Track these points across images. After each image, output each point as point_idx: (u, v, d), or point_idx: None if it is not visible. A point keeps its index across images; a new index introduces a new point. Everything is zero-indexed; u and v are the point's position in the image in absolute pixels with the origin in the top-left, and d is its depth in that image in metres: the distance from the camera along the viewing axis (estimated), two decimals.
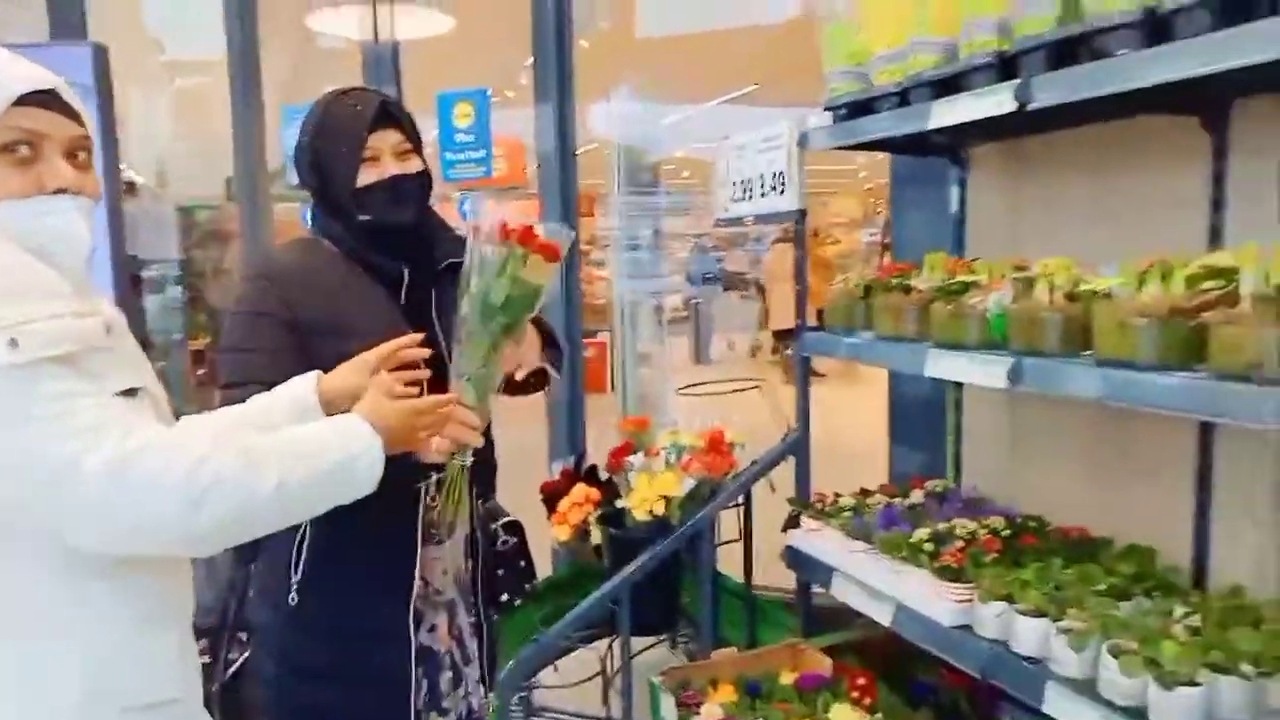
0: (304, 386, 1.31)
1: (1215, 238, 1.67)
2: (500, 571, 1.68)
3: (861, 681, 2.12)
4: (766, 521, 2.49)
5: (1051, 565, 1.67)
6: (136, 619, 1.05)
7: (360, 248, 1.51)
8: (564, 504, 2.57)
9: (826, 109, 2.09)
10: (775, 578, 2.68)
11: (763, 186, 2.34)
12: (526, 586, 1.73)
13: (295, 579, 1.46)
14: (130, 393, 1.03)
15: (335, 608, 1.49)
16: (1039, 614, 1.55)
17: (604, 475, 2.62)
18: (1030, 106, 1.48)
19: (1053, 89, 1.45)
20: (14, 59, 1.03)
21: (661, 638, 2.66)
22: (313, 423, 1.18)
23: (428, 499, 1.51)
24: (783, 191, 2.26)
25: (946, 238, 2.40)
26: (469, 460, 1.44)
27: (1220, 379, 1.22)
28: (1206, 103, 1.62)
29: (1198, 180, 1.69)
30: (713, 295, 11.10)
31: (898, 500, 2.14)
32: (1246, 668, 1.30)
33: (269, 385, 1.35)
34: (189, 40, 5.79)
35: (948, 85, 1.73)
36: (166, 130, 5.34)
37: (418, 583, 1.53)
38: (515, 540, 1.72)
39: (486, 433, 1.65)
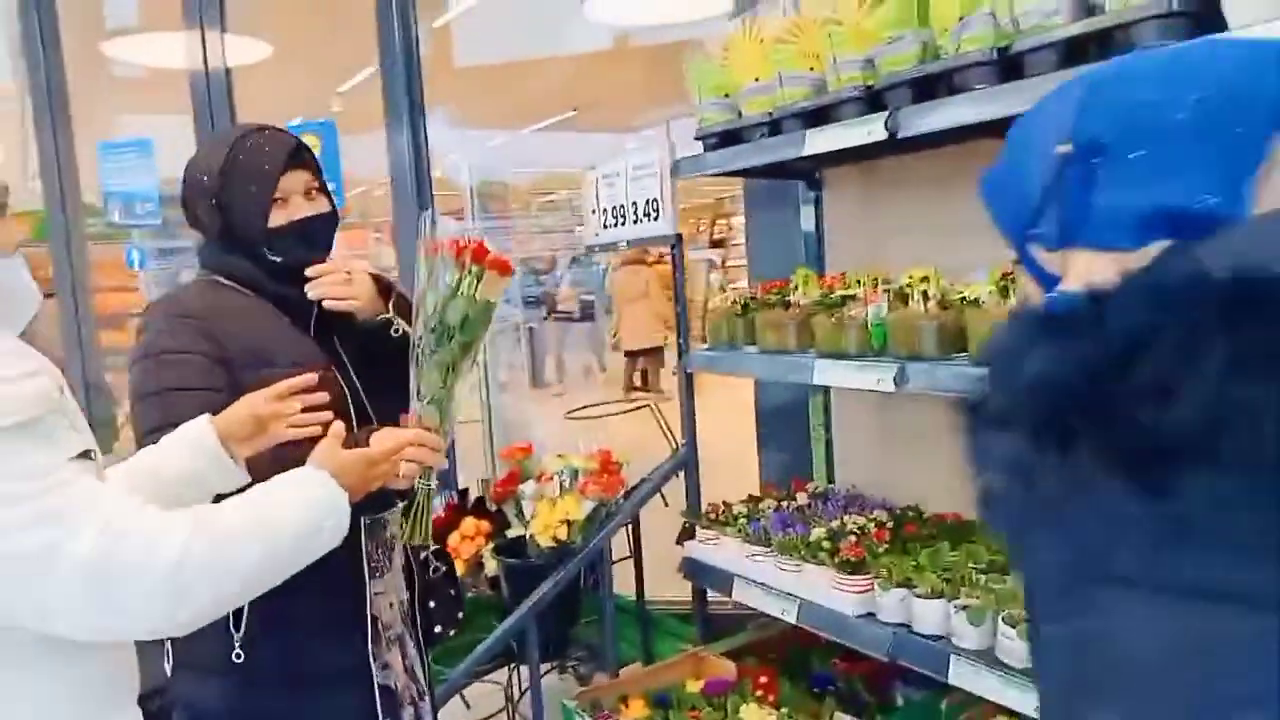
0: (198, 429, 1.27)
1: None
2: (431, 603, 1.67)
3: (764, 680, 2.23)
4: (649, 537, 2.57)
5: (940, 550, 1.83)
6: (89, 701, 0.97)
7: (270, 285, 1.49)
8: (454, 538, 2.54)
9: (698, 138, 2.19)
10: (660, 590, 2.76)
11: (635, 213, 2.42)
12: (458, 616, 1.72)
13: (238, 635, 1.38)
14: (85, 454, 0.98)
15: (286, 654, 1.42)
16: (937, 595, 1.70)
17: (491, 506, 2.61)
18: (900, 135, 1.64)
19: (919, 119, 1.61)
20: None
21: (554, 664, 2.67)
22: (277, 487, 1.13)
23: (367, 527, 1.49)
24: (656, 218, 2.35)
25: (801, 254, 2.58)
26: (434, 483, 1.46)
27: None
28: None
29: None
30: (538, 318, 11.18)
31: (785, 503, 2.26)
32: None
33: None
34: None
35: (816, 116, 1.88)
36: None
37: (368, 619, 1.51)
38: (444, 569, 1.70)
39: None
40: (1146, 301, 0.58)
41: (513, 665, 2.55)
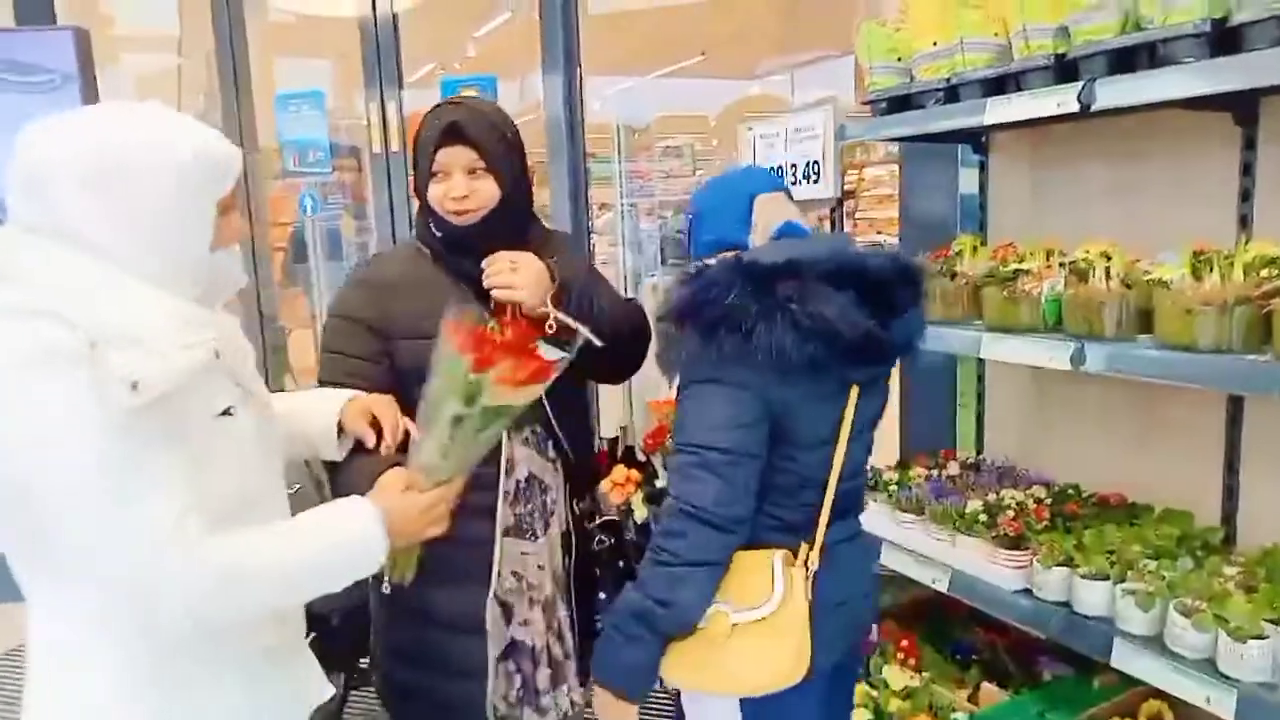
0: (330, 406, 1.41)
1: (1243, 226, 1.81)
2: (597, 571, 1.70)
3: (905, 644, 2.27)
4: None
5: (1104, 531, 1.81)
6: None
7: (448, 257, 1.55)
8: (605, 485, 2.64)
9: (865, 102, 2.17)
10: None
11: (794, 174, 2.41)
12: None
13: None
14: (227, 412, 1.10)
15: (418, 594, 1.48)
16: (1102, 577, 1.69)
17: (641, 456, 2.71)
18: (1094, 108, 1.58)
19: (1116, 92, 1.55)
20: (214, 133, 1.11)
21: None
22: (335, 533, 1.19)
23: (507, 496, 1.56)
24: (816, 180, 2.34)
25: (957, 218, 2.52)
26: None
27: None
28: (1239, 99, 1.74)
29: (1227, 171, 1.82)
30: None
31: (935, 472, 2.26)
32: None
33: (358, 387, 1.45)
34: (141, 15, 5.58)
35: (998, 83, 1.83)
36: None
37: (506, 577, 1.57)
38: (612, 540, 1.72)
39: (580, 432, 1.68)
40: (718, 270, 1.31)
41: None
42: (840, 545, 1.41)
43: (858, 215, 7.83)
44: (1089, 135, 2.09)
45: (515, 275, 1.47)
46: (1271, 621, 1.46)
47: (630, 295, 1.72)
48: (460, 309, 1.31)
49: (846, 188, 11.47)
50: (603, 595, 1.71)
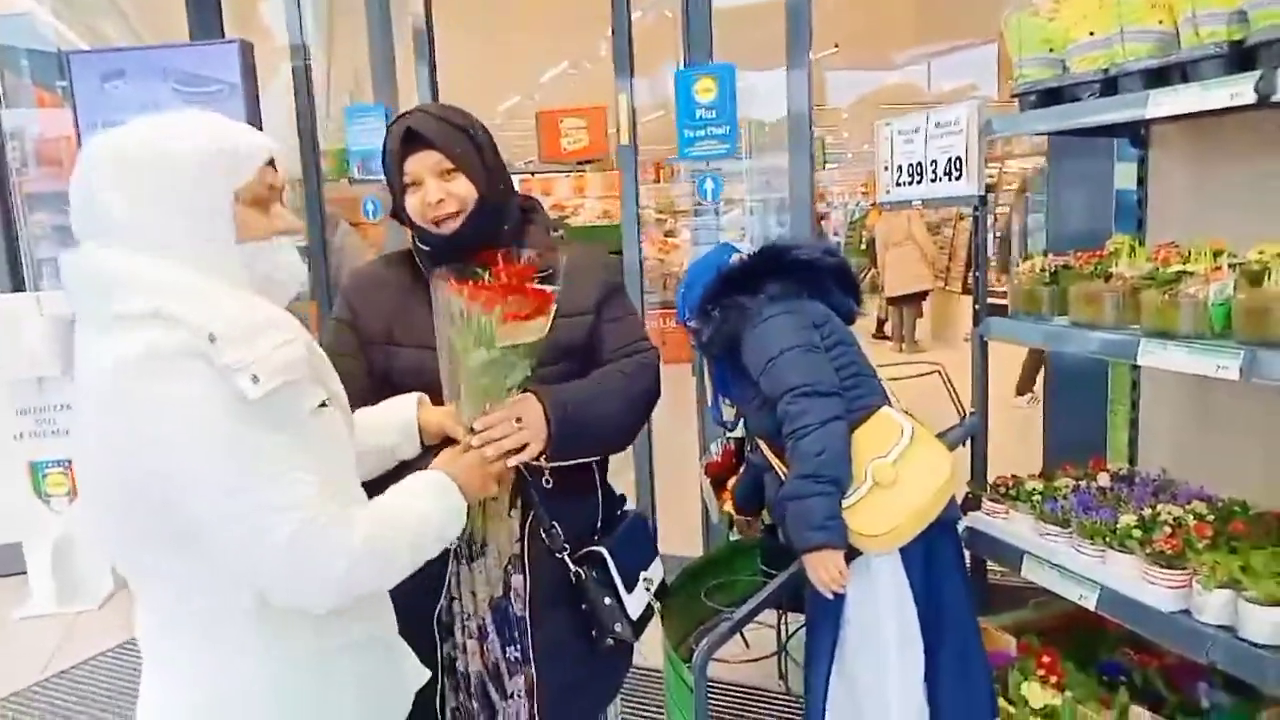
0: (410, 417, 1.44)
1: None
2: (584, 606, 1.52)
3: (1047, 660, 2.17)
4: None
5: (1276, 552, 1.68)
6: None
7: (425, 264, 1.52)
8: (733, 482, 2.64)
9: (1015, 95, 2.08)
10: None
11: (935, 171, 2.34)
12: (615, 627, 1.51)
13: None
14: (323, 407, 1.15)
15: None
16: (1272, 602, 1.57)
17: None
18: (1274, 98, 1.47)
19: None
20: (249, 129, 1.16)
21: None
22: (422, 498, 1.27)
23: None
24: (958, 177, 2.27)
25: (1111, 216, 2.39)
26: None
27: None
28: None
29: None
30: None
31: (1083, 483, 2.16)
32: None
33: (349, 387, 1.36)
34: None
35: (1160, 74, 1.72)
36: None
37: (456, 597, 1.54)
38: (595, 574, 1.52)
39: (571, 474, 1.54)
40: (739, 262, 1.92)
41: (781, 609, 2.65)
42: None
43: (996, 210, 7.51)
44: (1264, 127, 1.94)
45: (525, 431, 1.39)
46: None
47: (646, 344, 1.63)
48: (448, 269, 1.35)
49: (986, 182, 11.01)
50: (594, 633, 1.53)
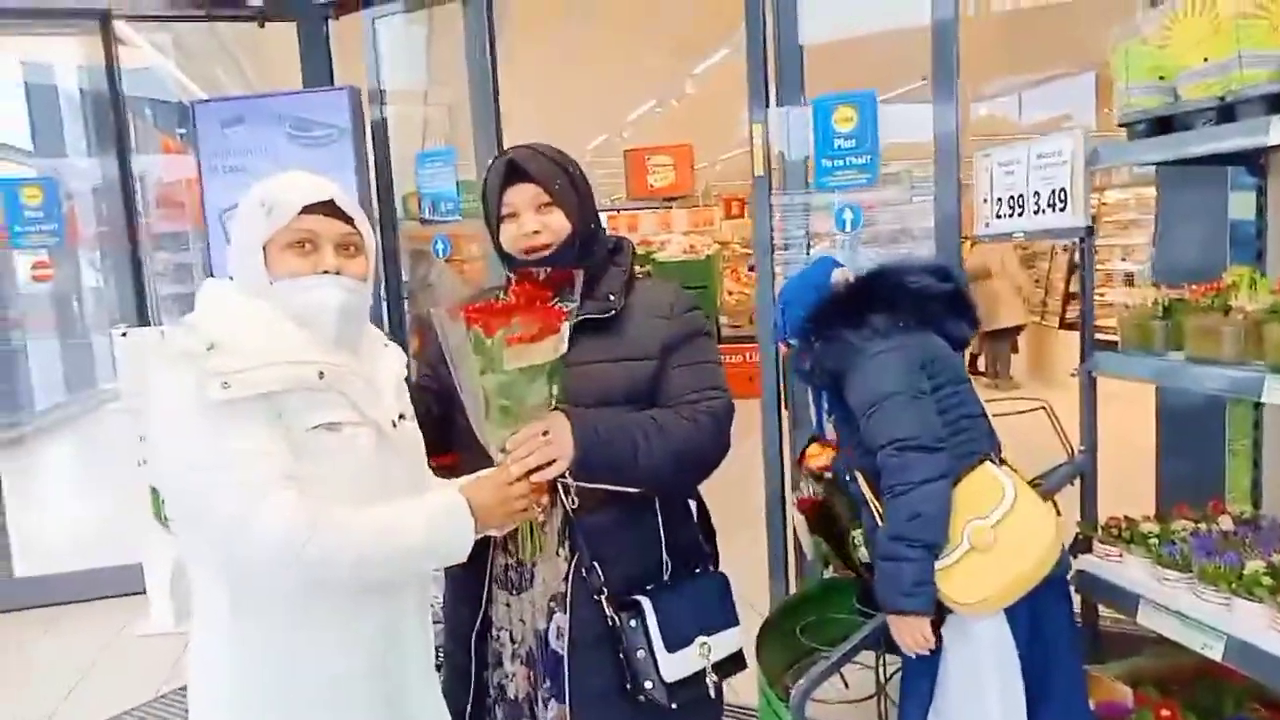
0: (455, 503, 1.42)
1: None
2: (622, 655, 1.49)
3: (1166, 714, 2.06)
4: None
5: None
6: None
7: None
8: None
9: (1122, 124, 2.03)
10: None
11: (1038, 202, 2.29)
12: (645, 683, 1.47)
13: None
14: (333, 426, 1.28)
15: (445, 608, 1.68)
16: None
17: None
18: None
19: None
20: (306, 178, 1.36)
21: None
22: (425, 509, 1.35)
23: (498, 542, 1.54)
24: (1063, 209, 2.22)
25: (1225, 248, 2.30)
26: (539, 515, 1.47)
27: None
28: None
29: None
30: None
31: (1203, 525, 2.06)
32: None
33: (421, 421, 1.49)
34: (398, 72, 6.20)
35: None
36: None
37: (497, 623, 1.59)
38: (633, 623, 1.48)
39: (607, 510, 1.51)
40: (843, 287, 1.94)
41: (880, 650, 2.58)
42: None
43: (1098, 242, 7.27)
44: None
45: (551, 447, 1.40)
46: None
47: (716, 393, 1.55)
48: (454, 298, 1.42)
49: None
50: (628, 686, 1.50)
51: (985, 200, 2.51)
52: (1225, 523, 2.05)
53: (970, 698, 1.75)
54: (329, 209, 1.34)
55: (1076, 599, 2.27)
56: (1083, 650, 2.30)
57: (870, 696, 2.58)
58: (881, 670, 2.58)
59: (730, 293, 9.69)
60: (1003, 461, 1.81)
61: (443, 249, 4.23)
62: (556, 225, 1.52)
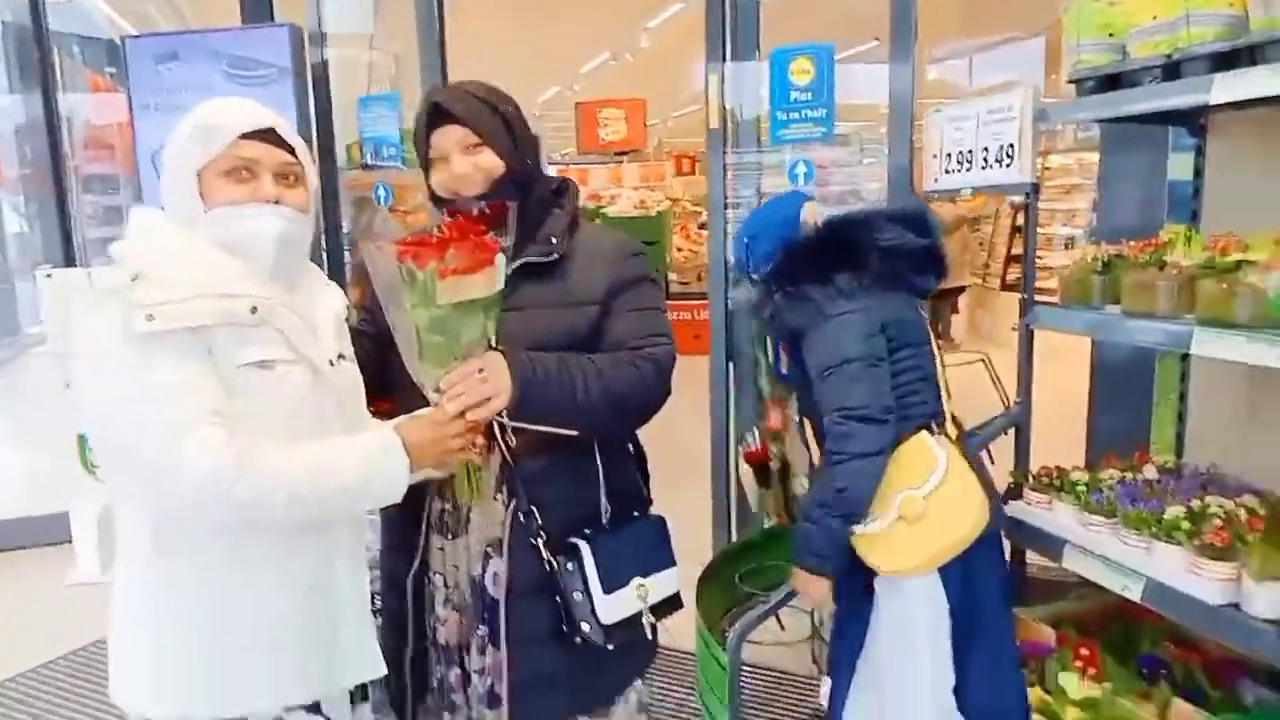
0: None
1: None
2: (559, 599, 1.49)
3: (1086, 652, 2.16)
4: None
5: None
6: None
7: None
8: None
9: (1071, 80, 2.06)
10: None
11: (986, 158, 2.32)
12: (582, 625, 1.47)
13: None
14: (265, 364, 1.25)
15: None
16: None
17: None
18: None
19: None
20: (243, 104, 1.30)
21: None
22: (358, 448, 1.31)
23: (436, 486, 1.51)
24: (1010, 165, 2.25)
25: (1164, 207, 2.36)
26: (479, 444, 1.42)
27: None
28: None
29: None
30: None
31: (1129, 475, 2.13)
32: None
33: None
34: (341, 15, 5.99)
35: (1228, 58, 1.70)
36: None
37: (432, 566, 1.56)
38: (570, 566, 1.48)
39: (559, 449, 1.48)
40: (806, 237, 1.86)
41: None
42: (962, 437, 1.83)
43: (1041, 205, 7.41)
44: None
45: (488, 384, 1.36)
46: None
47: (660, 340, 1.54)
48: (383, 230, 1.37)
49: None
50: (566, 629, 1.49)
51: (935, 156, 2.53)
52: (1150, 471, 2.13)
53: (899, 650, 1.78)
54: (269, 137, 1.29)
55: (1007, 545, 2.35)
56: (1012, 595, 2.39)
57: (805, 639, 2.65)
58: (816, 614, 2.66)
59: (680, 249, 9.68)
60: (949, 425, 1.79)
61: (385, 196, 4.14)
62: (488, 165, 1.47)
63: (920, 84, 3.10)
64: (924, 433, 1.74)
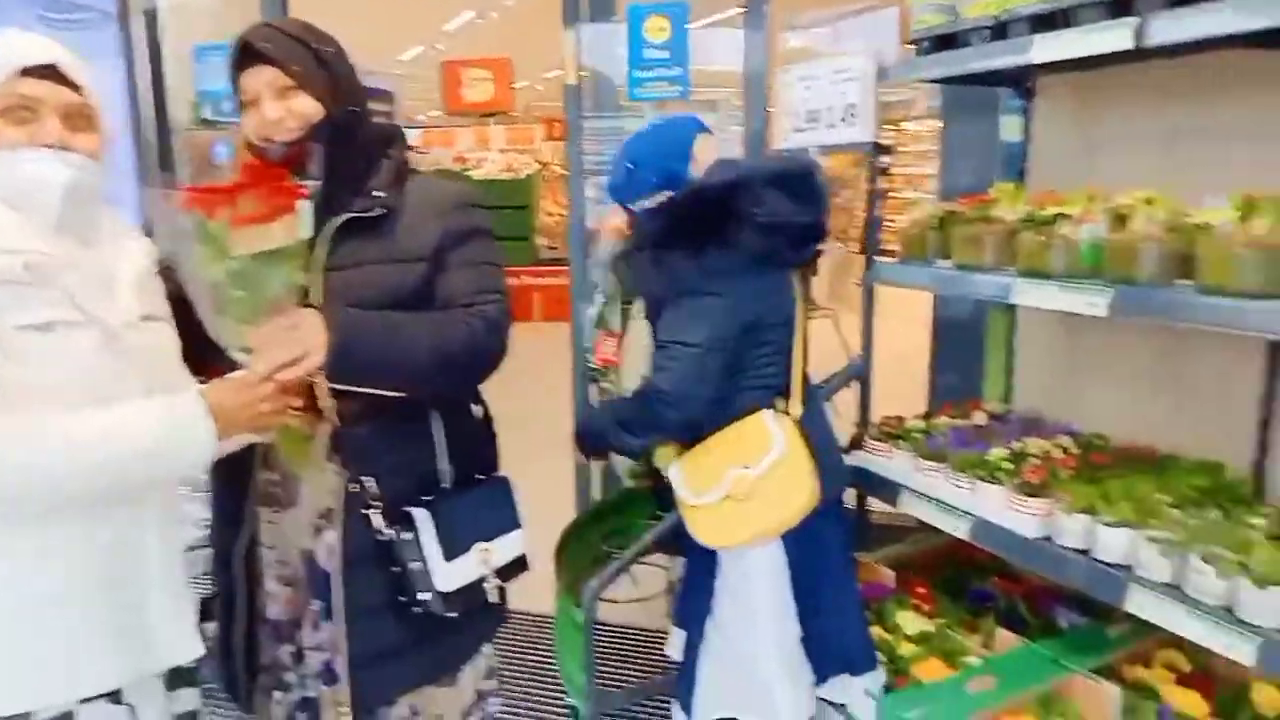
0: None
1: None
2: (395, 569, 1.43)
3: (921, 591, 2.27)
4: None
5: (1131, 481, 1.79)
6: None
7: None
8: (607, 346, 2.65)
9: (910, 42, 2.12)
10: None
11: (832, 117, 2.37)
12: (419, 595, 1.42)
13: None
14: (45, 326, 1.13)
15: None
16: (1125, 525, 1.68)
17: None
18: (1150, 44, 1.53)
19: (1174, 27, 1.50)
20: (22, 36, 1.18)
21: None
22: (153, 410, 1.21)
23: (262, 456, 1.44)
24: (853, 123, 2.30)
25: (998, 167, 2.47)
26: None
27: None
28: None
29: None
30: None
31: (961, 421, 2.25)
32: None
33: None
34: None
35: (1049, 20, 1.78)
36: None
37: (260, 548, 1.49)
38: (405, 535, 1.42)
39: (378, 409, 1.40)
40: (682, 199, 1.67)
41: (670, 552, 2.68)
42: (815, 400, 1.83)
43: (895, 170, 7.69)
44: (1140, 78, 2.03)
45: (299, 342, 1.25)
46: None
47: (492, 296, 1.47)
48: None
49: (884, 141, 11.31)
50: (404, 599, 1.44)
51: (786, 115, 2.57)
52: (979, 418, 2.25)
53: (743, 611, 1.81)
54: (53, 74, 1.18)
55: (852, 492, 2.45)
56: (853, 543, 2.49)
57: (660, 594, 2.69)
58: (672, 569, 2.70)
59: (549, 214, 9.57)
60: (794, 401, 1.75)
61: (226, 153, 3.88)
62: (302, 110, 1.36)
63: (784, 50, 3.13)
64: (764, 411, 1.70)
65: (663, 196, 1.73)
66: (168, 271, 1.34)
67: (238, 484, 1.45)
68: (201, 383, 1.35)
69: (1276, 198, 1.48)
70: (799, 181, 1.67)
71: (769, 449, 1.66)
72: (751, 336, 1.68)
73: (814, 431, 1.75)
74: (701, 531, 1.73)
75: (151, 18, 3.80)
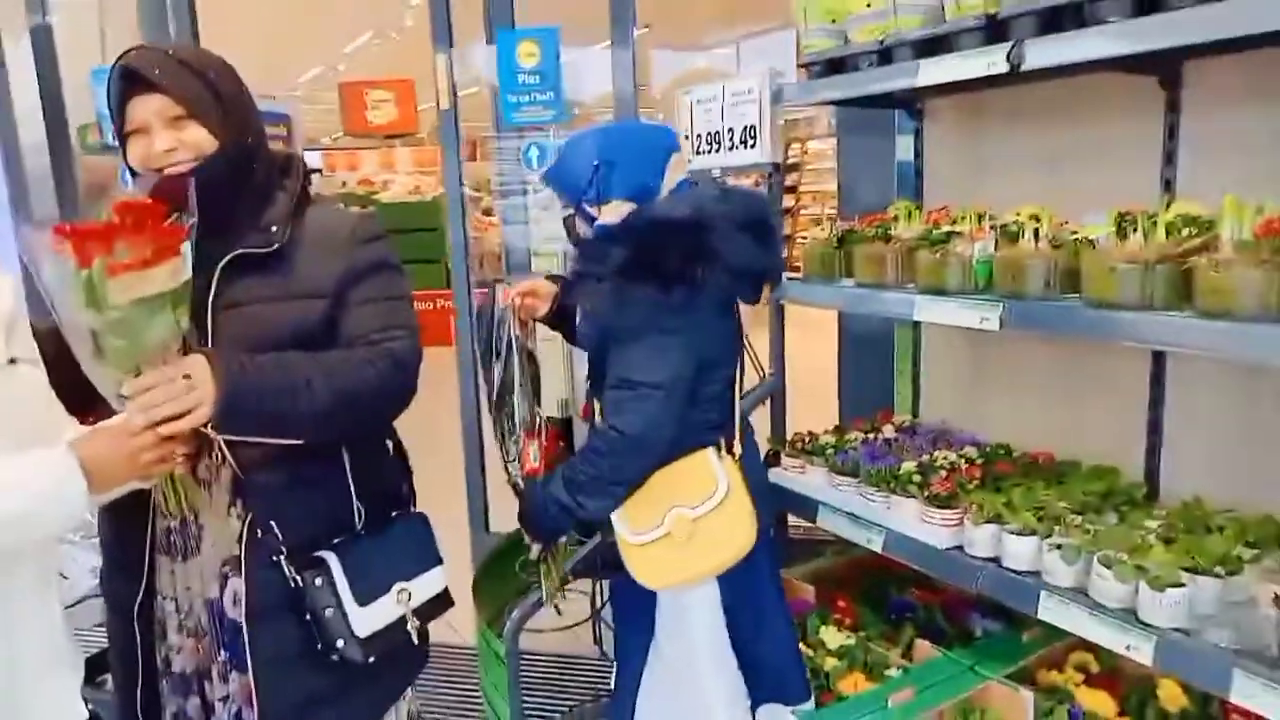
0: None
1: (1167, 188, 1.85)
2: (308, 617, 1.36)
3: (842, 604, 2.30)
4: None
5: (1033, 488, 1.84)
6: None
7: None
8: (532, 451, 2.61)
9: (802, 65, 2.16)
10: None
11: (731, 140, 2.40)
12: (337, 643, 1.35)
13: None
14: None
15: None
16: (1029, 533, 1.73)
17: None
18: (1023, 68, 1.59)
19: (1045, 53, 1.56)
20: None
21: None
22: (20, 475, 1.13)
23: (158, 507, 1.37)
24: (753, 145, 2.33)
25: (894, 185, 2.54)
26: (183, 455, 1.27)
27: (1208, 317, 1.38)
28: (1164, 63, 1.77)
29: (1152, 134, 1.86)
30: None
31: (872, 435, 2.29)
32: (1218, 569, 1.50)
33: None
34: None
35: (930, 45, 1.83)
36: None
37: (160, 599, 1.41)
38: (318, 581, 1.36)
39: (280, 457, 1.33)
40: (645, 229, 1.55)
41: (594, 577, 2.65)
42: (747, 433, 1.78)
43: (801, 189, 7.86)
44: (1020, 100, 2.11)
45: (184, 394, 1.18)
46: (1189, 570, 1.51)
47: (398, 332, 1.40)
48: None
49: (790, 161, 11.57)
50: (320, 647, 1.37)
51: (687, 137, 2.58)
52: (889, 431, 2.30)
53: (681, 647, 1.77)
54: None
55: None
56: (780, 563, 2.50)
57: (584, 620, 2.65)
58: (597, 595, 2.67)
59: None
60: (736, 440, 1.71)
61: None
62: (195, 141, 1.29)
63: (690, 71, 3.15)
64: (708, 450, 1.65)
65: (625, 208, 1.61)
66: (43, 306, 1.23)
67: (134, 531, 1.36)
68: (85, 422, 1.26)
69: (1150, 214, 1.55)
70: (760, 225, 1.64)
71: (712, 490, 1.62)
72: (703, 375, 1.64)
73: (749, 466, 1.73)
74: (640, 573, 1.66)
75: (44, 35, 3.60)
